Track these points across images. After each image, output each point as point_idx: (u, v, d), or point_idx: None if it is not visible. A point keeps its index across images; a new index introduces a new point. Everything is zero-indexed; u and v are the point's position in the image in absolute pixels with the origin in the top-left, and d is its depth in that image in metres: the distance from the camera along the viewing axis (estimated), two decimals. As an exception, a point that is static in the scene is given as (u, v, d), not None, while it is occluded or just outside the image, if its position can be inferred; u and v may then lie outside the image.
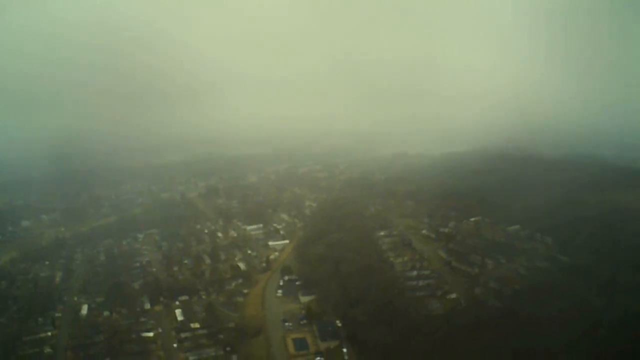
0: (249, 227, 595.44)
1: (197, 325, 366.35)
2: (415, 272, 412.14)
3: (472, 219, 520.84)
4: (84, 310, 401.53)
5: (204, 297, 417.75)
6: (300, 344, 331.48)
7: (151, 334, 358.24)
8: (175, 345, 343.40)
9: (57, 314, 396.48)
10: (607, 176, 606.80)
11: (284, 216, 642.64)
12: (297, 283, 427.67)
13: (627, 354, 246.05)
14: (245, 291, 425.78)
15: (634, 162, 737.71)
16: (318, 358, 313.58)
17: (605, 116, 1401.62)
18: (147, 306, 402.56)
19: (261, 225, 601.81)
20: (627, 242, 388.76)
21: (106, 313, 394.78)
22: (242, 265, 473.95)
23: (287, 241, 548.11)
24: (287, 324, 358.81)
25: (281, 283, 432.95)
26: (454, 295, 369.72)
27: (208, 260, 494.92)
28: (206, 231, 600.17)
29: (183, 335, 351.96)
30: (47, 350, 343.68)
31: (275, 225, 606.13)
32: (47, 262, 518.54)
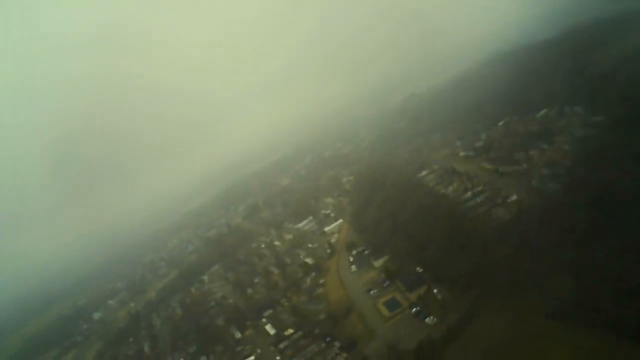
0: (300, 225, 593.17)
1: (290, 331, 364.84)
2: (469, 193, 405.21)
3: (501, 123, 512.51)
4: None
5: (286, 304, 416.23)
6: (392, 304, 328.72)
7: (252, 358, 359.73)
8: (278, 358, 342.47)
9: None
10: (604, 32, 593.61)
11: (329, 200, 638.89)
12: (365, 252, 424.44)
13: None
14: (322, 281, 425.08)
15: (623, 9, 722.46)
16: (414, 309, 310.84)
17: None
18: (238, 335, 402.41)
19: (311, 217, 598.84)
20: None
21: (203, 358, 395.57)
22: (309, 261, 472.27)
23: (340, 221, 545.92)
24: (372, 292, 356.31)
25: (351, 259, 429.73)
26: (514, 197, 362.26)
27: (276, 270, 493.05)
28: (263, 246, 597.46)
29: (281, 345, 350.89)
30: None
31: (323, 211, 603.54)
32: (130, 339, 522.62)
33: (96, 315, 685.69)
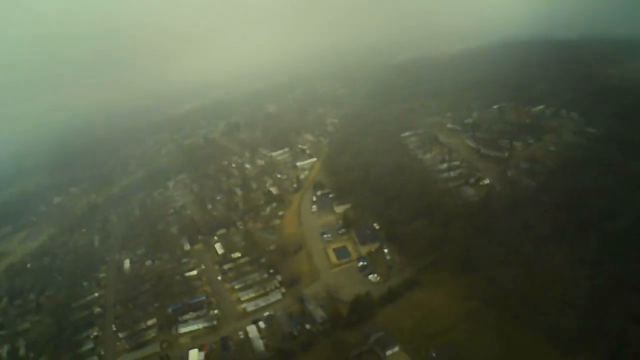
0: (275, 154, 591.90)
1: (238, 255, 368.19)
2: (445, 164, 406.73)
3: (495, 106, 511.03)
4: (127, 264, 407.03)
5: (241, 227, 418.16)
6: (342, 253, 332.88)
7: (195, 272, 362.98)
8: (219, 277, 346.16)
9: (101, 275, 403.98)
10: (624, 50, 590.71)
11: (309, 136, 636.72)
12: (330, 196, 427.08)
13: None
14: (281, 213, 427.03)
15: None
16: (361, 262, 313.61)
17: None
18: (187, 247, 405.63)
19: (287, 149, 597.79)
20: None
21: (148, 262, 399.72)
22: (273, 190, 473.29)
23: (314, 159, 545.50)
24: (325, 236, 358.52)
25: (314, 199, 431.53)
26: (487, 181, 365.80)
27: (240, 192, 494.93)
28: (234, 165, 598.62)
29: (226, 266, 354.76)
30: (97, 310, 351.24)
31: (300, 146, 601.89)
32: (83, 230, 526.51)
33: (56, 200, 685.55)
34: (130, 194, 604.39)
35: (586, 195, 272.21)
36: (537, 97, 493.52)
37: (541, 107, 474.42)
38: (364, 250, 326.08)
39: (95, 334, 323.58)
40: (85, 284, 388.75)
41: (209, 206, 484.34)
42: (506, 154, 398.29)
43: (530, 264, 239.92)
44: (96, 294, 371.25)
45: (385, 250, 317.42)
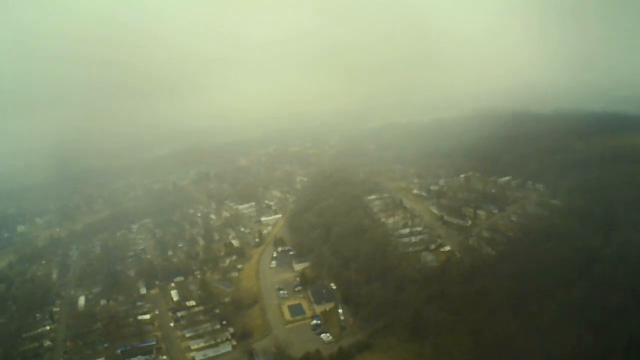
0: (241, 207, 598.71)
1: (193, 303, 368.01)
2: (407, 230, 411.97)
3: (463, 175, 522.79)
4: (82, 301, 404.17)
5: (199, 276, 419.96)
6: (296, 310, 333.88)
7: (148, 317, 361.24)
8: (172, 324, 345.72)
9: (55, 309, 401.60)
10: (594, 125, 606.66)
11: (276, 193, 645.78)
12: (290, 253, 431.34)
13: (627, 287, 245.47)
14: (240, 266, 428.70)
15: (621, 111, 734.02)
16: (314, 321, 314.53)
17: (597, 73, 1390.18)
18: (144, 291, 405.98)
19: (253, 203, 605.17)
20: (617, 181, 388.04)
21: (103, 302, 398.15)
22: (235, 243, 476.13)
23: (279, 215, 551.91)
24: (282, 292, 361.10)
25: (275, 255, 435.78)
26: (447, 248, 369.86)
27: (202, 242, 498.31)
28: (199, 215, 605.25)
29: (179, 314, 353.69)
30: (47, 343, 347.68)
31: (267, 202, 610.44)
32: (43, 262, 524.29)
33: (20, 229, 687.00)
34: (93, 232, 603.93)
35: (543, 265, 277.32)
36: (505, 168, 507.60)
37: (508, 178, 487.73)
38: (319, 309, 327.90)
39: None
40: (38, 315, 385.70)
41: (170, 253, 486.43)
42: (469, 223, 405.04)
43: (481, 333, 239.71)
44: (48, 328, 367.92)
45: (340, 311, 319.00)
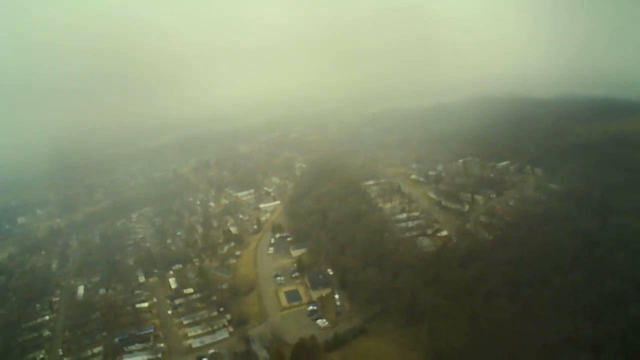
0: (240, 194, 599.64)
1: (190, 290, 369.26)
2: (404, 215, 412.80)
3: (461, 160, 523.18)
4: (80, 291, 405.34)
5: (197, 263, 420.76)
6: (293, 296, 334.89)
7: (146, 304, 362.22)
8: (169, 312, 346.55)
9: (54, 299, 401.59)
10: (594, 110, 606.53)
11: (275, 179, 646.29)
12: (288, 239, 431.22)
13: (624, 272, 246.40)
14: (238, 253, 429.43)
15: (622, 96, 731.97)
16: (311, 307, 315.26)
17: (599, 59, 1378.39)
18: (142, 279, 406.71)
19: (252, 190, 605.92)
20: (615, 165, 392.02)
21: (102, 291, 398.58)
22: (233, 230, 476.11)
23: (278, 202, 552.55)
24: (279, 278, 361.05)
25: (272, 241, 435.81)
26: (444, 233, 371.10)
27: (200, 229, 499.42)
28: (198, 202, 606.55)
29: (177, 301, 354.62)
30: (46, 333, 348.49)
31: (266, 188, 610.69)
32: (43, 253, 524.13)
33: (21, 220, 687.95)
34: (93, 222, 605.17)
35: (540, 250, 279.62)
36: (503, 152, 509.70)
37: (506, 162, 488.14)
38: (315, 295, 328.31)
39: (41, 356, 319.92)
40: (38, 306, 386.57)
41: (169, 241, 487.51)
42: (466, 207, 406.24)
43: (477, 318, 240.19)
44: (47, 317, 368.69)
45: (336, 296, 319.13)
